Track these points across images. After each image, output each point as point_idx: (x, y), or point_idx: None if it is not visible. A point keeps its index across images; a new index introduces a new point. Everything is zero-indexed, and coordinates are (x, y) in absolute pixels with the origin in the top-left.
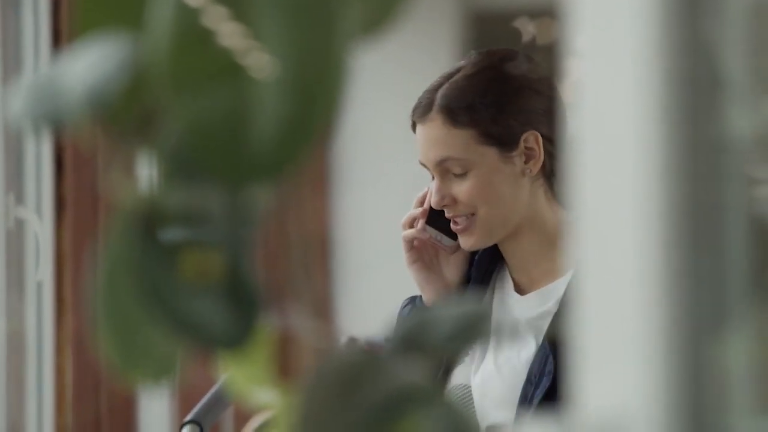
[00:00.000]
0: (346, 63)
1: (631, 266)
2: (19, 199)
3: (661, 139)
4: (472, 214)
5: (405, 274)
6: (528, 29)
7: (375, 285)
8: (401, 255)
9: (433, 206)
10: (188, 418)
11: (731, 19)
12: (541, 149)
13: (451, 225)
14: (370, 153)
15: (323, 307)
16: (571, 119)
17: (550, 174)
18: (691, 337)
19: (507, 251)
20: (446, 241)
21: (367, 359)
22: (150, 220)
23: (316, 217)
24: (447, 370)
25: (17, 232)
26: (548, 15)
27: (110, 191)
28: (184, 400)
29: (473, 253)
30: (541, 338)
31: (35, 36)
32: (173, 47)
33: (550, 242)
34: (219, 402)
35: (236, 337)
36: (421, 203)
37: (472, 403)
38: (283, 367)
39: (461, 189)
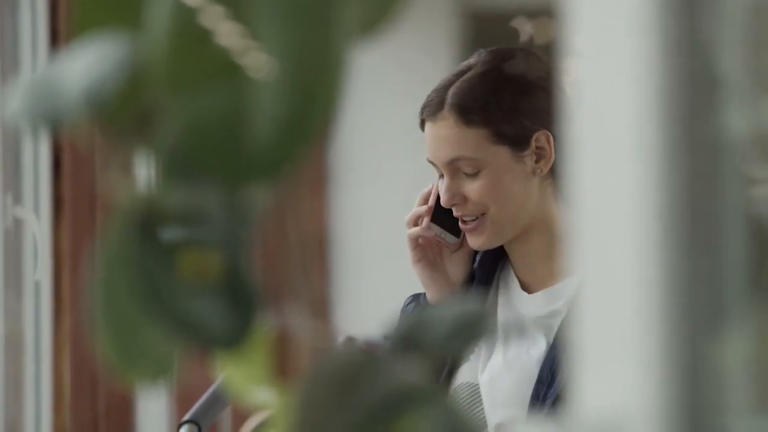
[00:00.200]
0: (344, 62)
1: (630, 266)
2: (17, 198)
3: (659, 139)
4: (483, 214)
5: (403, 274)
6: (526, 29)
7: (373, 285)
8: (399, 254)
9: (443, 205)
10: (186, 417)
11: (729, 18)
12: (552, 149)
13: (460, 224)
14: (369, 153)
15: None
16: (571, 118)
17: (557, 174)
18: (689, 337)
19: (513, 251)
20: (450, 238)
21: (365, 359)
22: (148, 219)
23: (314, 216)
24: (452, 369)
25: (15, 232)
26: (546, 14)
27: (108, 191)
28: (182, 400)
29: (475, 251)
30: (552, 337)
31: (33, 36)
32: (171, 47)
33: (557, 242)
34: (217, 402)
35: (234, 336)
36: (425, 201)
37: (479, 401)
38: (281, 367)
39: (472, 188)
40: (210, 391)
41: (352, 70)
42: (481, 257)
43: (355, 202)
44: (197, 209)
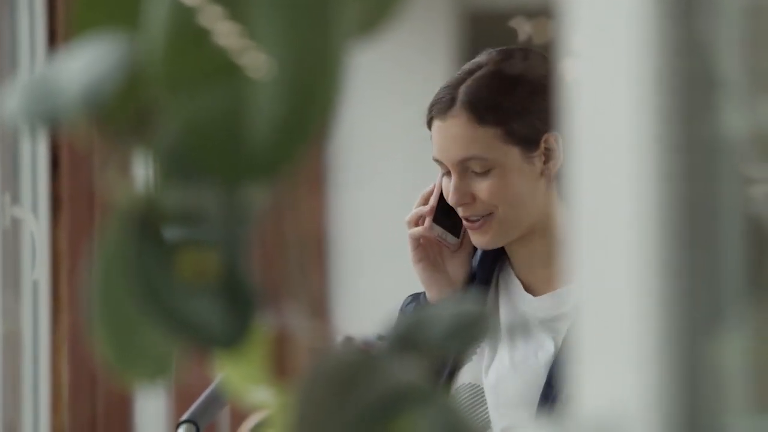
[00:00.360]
0: (343, 62)
1: (628, 266)
2: (15, 198)
3: (657, 139)
4: (490, 213)
5: (401, 273)
6: (524, 29)
7: (371, 284)
8: (398, 254)
9: (452, 205)
10: (184, 417)
11: (727, 18)
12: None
13: (465, 222)
14: (367, 152)
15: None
16: (569, 118)
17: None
18: (687, 337)
19: (514, 251)
20: (450, 239)
21: (363, 358)
22: (146, 219)
23: (312, 216)
24: (453, 369)
25: (13, 232)
26: (544, 14)
27: (106, 190)
28: (180, 400)
29: (473, 251)
30: (560, 341)
31: (31, 35)
32: (169, 46)
33: (559, 244)
34: (215, 401)
35: (232, 336)
36: (426, 200)
37: (481, 402)
38: (280, 367)
39: (481, 188)
40: (208, 390)
41: (350, 69)
42: (481, 257)
43: (354, 202)
44: (195, 209)
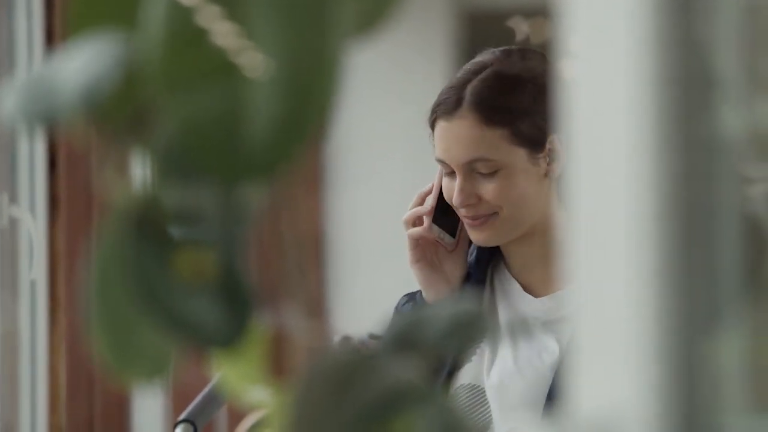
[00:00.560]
0: (340, 62)
1: (625, 265)
2: (13, 198)
3: (654, 138)
4: (494, 213)
5: (399, 273)
6: (522, 28)
7: (368, 284)
8: (395, 253)
9: (456, 205)
10: (182, 417)
11: (724, 18)
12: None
13: (466, 220)
14: (364, 152)
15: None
16: (567, 118)
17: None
18: (684, 336)
19: (512, 251)
20: (447, 238)
21: (360, 358)
22: (144, 219)
23: (309, 216)
24: (452, 370)
25: (10, 231)
26: (542, 14)
27: (104, 190)
28: (178, 399)
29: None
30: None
31: (28, 35)
32: (166, 46)
33: (557, 245)
34: (213, 401)
35: (230, 335)
36: (422, 200)
37: (481, 403)
38: (277, 366)
39: (487, 189)
40: (206, 390)
41: (347, 69)
42: (476, 257)
43: (351, 202)
44: (193, 208)
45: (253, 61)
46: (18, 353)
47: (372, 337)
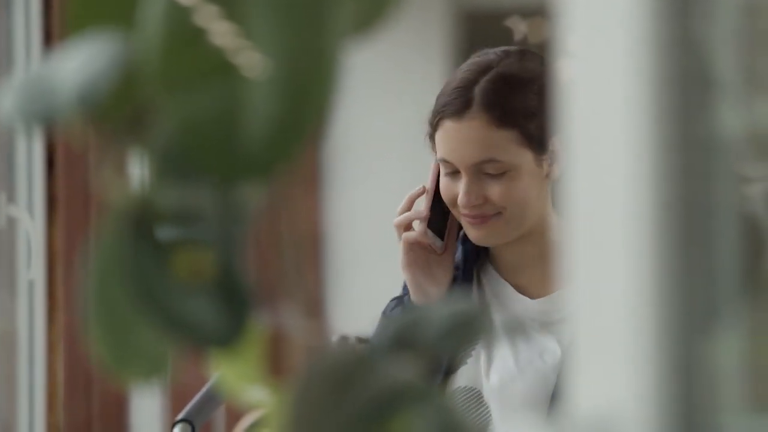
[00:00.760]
0: (338, 62)
1: (623, 265)
2: (11, 197)
3: (652, 138)
4: (497, 213)
5: (397, 273)
6: (519, 28)
7: (366, 283)
8: (393, 253)
9: (463, 206)
10: (180, 416)
11: (722, 17)
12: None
13: (466, 218)
14: (362, 152)
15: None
16: (564, 118)
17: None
18: (682, 336)
19: (503, 253)
20: (438, 242)
21: (358, 358)
22: (142, 218)
23: (307, 215)
24: (448, 372)
25: (9, 231)
26: (539, 14)
27: (102, 190)
28: (176, 399)
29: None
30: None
31: (26, 34)
32: (165, 46)
33: (551, 246)
34: (211, 401)
35: (228, 335)
36: (412, 202)
37: (478, 405)
38: (275, 366)
39: (494, 190)
40: (204, 390)
41: (345, 69)
42: (464, 259)
43: (349, 201)
44: (191, 208)
45: (252, 61)
46: (16, 353)
47: (359, 340)
